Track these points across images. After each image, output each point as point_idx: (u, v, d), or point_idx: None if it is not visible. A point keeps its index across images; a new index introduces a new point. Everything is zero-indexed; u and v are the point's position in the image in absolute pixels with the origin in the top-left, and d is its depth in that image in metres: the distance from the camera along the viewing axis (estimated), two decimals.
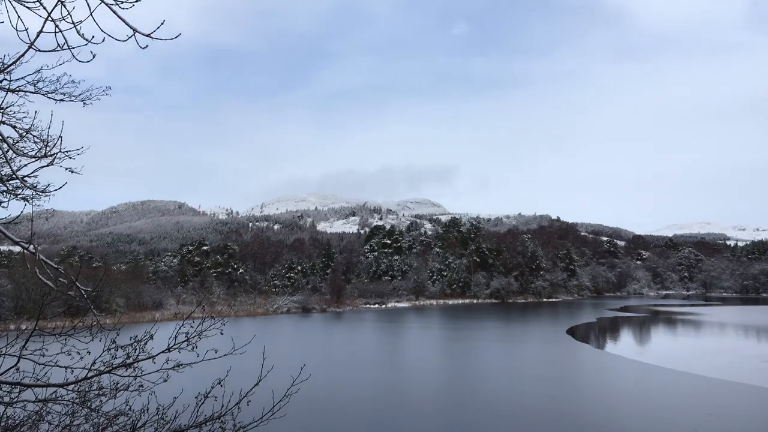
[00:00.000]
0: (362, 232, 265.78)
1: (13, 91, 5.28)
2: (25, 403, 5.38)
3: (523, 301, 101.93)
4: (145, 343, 5.37)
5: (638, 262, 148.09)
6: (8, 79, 5.19)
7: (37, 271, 5.03)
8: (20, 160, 5.40)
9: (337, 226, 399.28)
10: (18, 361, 5.15)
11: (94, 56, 4.49)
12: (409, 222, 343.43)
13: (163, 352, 5.34)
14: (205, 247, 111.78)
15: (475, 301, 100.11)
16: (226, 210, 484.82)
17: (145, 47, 4.37)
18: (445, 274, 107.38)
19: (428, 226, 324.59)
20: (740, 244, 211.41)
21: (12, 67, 5.04)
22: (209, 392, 5.43)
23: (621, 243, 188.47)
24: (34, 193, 5.67)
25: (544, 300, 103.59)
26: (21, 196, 5.74)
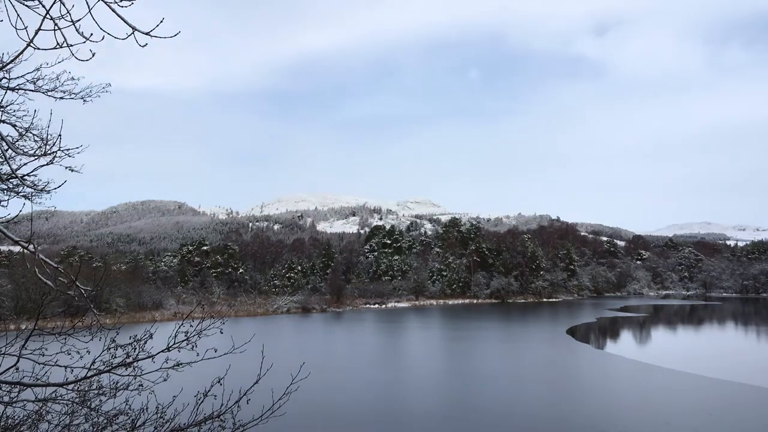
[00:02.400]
0: (362, 232, 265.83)
1: (12, 89, 5.27)
2: (25, 402, 5.37)
3: (523, 301, 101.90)
4: (145, 343, 5.36)
5: (638, 262, 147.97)
6: (7, 77, 5.18)
7: (37, 270, 5.02)
8: (20, 159, 5.39)
9: (337, 226, 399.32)
10: (18, 361, 5.13)
11: (93, 54, 4.48)
12: (409, 222, 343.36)
13: (162, 351, 5.33)
14: (205, 247, 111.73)
15: (475, 301, 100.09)
16: (226, 210, 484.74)
17: (144, 45, 4.36)
18: (445, 274, 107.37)
19: (428, 226, 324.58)
20: (740, 244, 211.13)
21: (11, 65, 5.03)
22: (209, 391, 5.42)
23: (621, 243, 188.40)
24: (34, 191, 5.66)
25: (544, 300, 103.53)
26: (21, 194, 5.73)
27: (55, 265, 5.00)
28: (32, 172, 5.45)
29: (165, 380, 5.51)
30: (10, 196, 5.72)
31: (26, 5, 4.29)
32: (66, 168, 5.60)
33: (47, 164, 5.45)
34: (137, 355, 5.31)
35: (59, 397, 5.29)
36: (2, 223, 5.20)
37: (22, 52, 4.63)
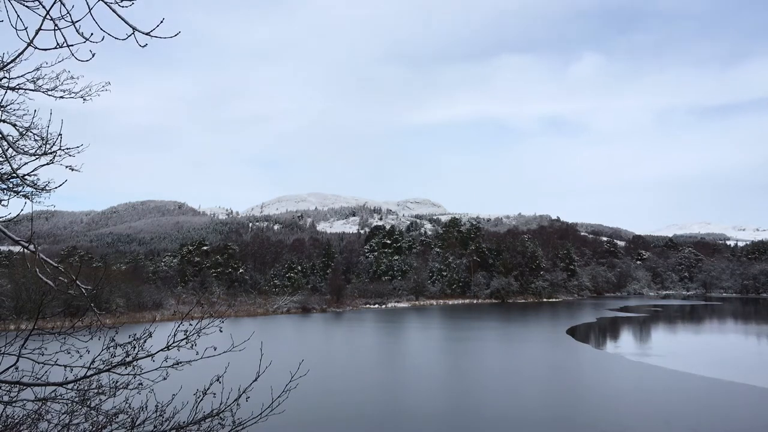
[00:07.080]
0: (362, 232, 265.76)
1: (12, 89, 5.28)
2: (25, 402, 5.38)
3: (523, 301, 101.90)
4: (144, 342, 5.37)
5: (638, 262, 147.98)
6: (8, 77, 5.19)
7: (37, 270, 5.03)
8: (20, 158, 5.40)
9: (337, 227, 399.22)
10: (17, 360, 5.14)
11: (93, 55, 4.49)
12: (409, 222, 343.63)
13: (162, 350, 5.34)
14: (205, 247, 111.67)
15: (475, 301, 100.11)
16: (226, 210, 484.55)
17: (144, 46, 4.37)
18: (445, 274, 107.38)
19: (428, 226, 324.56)
20: (740, 244, 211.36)
21: (11, 65, 5.04)
22: (208, 389, 5.44)
23: (621, 243, 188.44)
24: (34, 191, 5.67)
25: (544, 300, 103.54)
26: (21, 194, 5.74)
27: (56, 265, 5.02)
28: (32, 171, 5.46)
29: (164, 379, 5.51)
30: (10, 195, 5.74)
31: (26, 5, 4.30)
32: (66, 167, 5.61)
33: (47, 164, 5.46)
34: (137, 354, 5.31)
35: (59, 397, 5.29)
36: (2, 222, 5.21)
37: (22, 52, 4.64)
